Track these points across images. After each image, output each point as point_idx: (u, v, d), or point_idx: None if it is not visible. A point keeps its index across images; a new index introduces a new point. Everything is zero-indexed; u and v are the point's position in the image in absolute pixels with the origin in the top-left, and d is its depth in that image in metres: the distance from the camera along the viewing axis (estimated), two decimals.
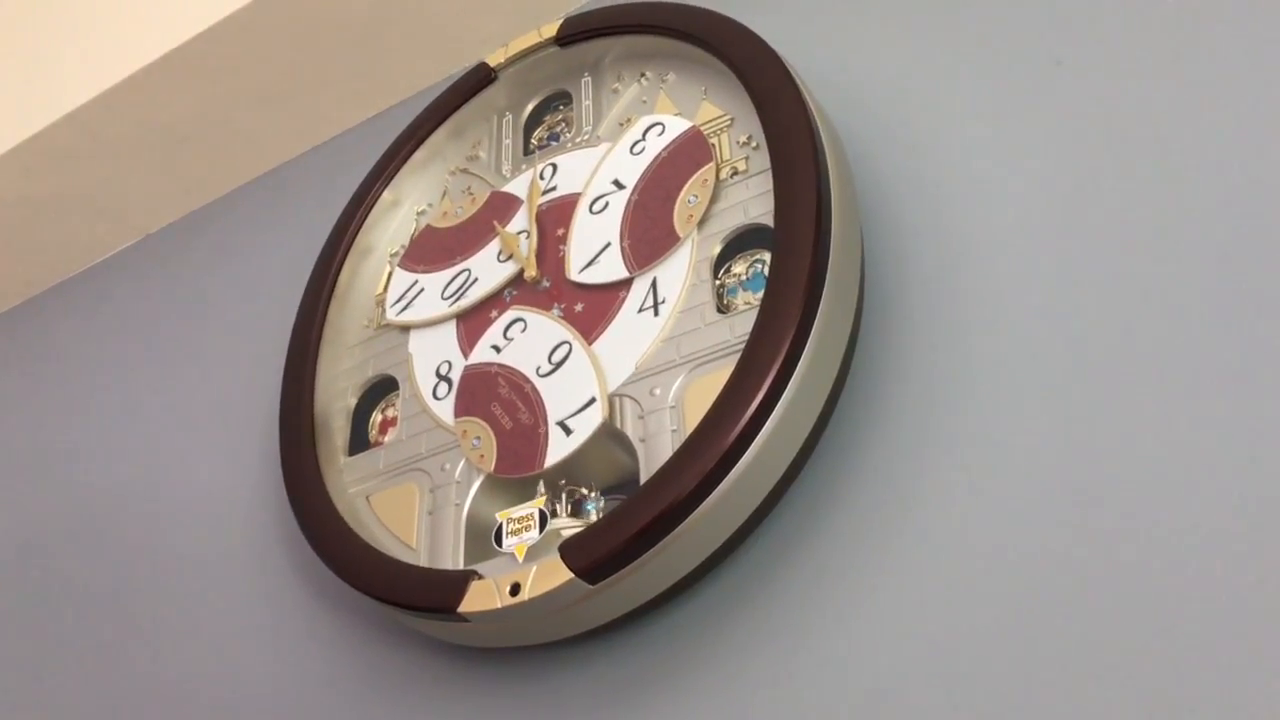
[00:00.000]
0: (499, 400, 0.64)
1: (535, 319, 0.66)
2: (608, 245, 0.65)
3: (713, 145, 0.65)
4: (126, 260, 1.08)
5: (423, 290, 0.73)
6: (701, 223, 0.63)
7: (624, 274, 0.63)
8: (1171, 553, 0.46)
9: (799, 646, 0.52)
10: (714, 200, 0.63)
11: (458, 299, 0.71)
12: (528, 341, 0.65)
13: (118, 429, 0.94)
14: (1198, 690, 0.43)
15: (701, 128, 0.66)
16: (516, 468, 0.61)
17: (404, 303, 0.74)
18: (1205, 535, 0.46)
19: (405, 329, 0.73)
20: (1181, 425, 0.48)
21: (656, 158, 0.67)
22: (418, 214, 0.80)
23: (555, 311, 0.65)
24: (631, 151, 0.69)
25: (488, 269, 0.71)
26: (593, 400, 0.60)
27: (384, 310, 0.74)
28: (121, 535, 0.86)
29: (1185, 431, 0.48)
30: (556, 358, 0.63)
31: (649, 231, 0.64)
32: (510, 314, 0.68)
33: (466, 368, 0.67)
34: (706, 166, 0.65)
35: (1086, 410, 0.51)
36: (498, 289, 0.69)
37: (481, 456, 0.62)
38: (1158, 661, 0.44)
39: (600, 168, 0.70)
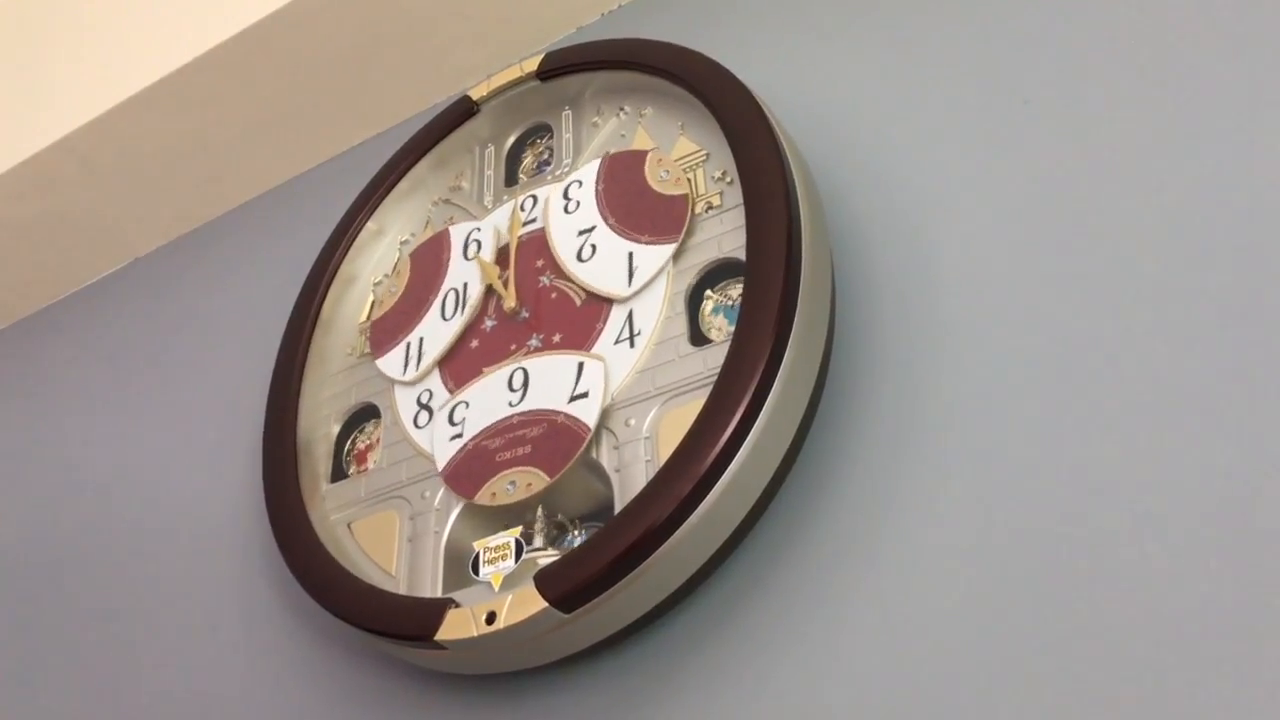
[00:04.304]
0: (499, 450, 0.63)
1: (473, 390, 0.67)
2: (619, 253, 0.67)
3: (689, 179, 0.67)
4: (115, 284, 1.09)
5: (423, 339, 0.73)
6: (677, 256, 0.64)
7: (624, 244, 0.66)
8: (1151, 570, 0.47)
9: (773, 672, 0.53)
10: (689, 234, 0.64)
11: (420, 362, 0.71)
12: (478, 407, 0.66)
13: (103, 452, 0.94)
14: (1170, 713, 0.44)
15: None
16: (567, 455, 0.60)
17: (414, 361, 0.72)
18: (1185, 553, 0.47)
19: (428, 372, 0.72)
20: (1156, 444, 0.50)
21: (596, 193, 0.70)
22: (401, 244, 0.81)
23: (534, 342, 0.67)
24: (566, 212, 0.71)
25: (434, 332, 0.72)
26: (581, 364, 0.62)
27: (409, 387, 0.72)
28: (103, 557, 0.87)
29: (1160, 450, 0.49)
30: (517, 383, 0.65)
31: (640, 220, 0.67)
32: (447, 407, 0.67)
33: (443, 470, 0.65)
34: (649, 154, 0.69)
35: (1058, 437, 0.52)
36: (450, 347, 0.70)
37: (529, 485, 0.61)
38: (1136, 685, 0.45)
39: (553, 235, 0.71)
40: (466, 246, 0.75)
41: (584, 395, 0.62)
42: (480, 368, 0.68)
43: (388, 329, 0.75)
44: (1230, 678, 0.44)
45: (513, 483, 0.61)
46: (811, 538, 0.56)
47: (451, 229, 0.77)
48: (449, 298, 0.73)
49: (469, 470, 0.64)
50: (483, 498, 0.62)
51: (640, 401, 0.60)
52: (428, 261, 0.76)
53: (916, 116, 0.66)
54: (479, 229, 0.75)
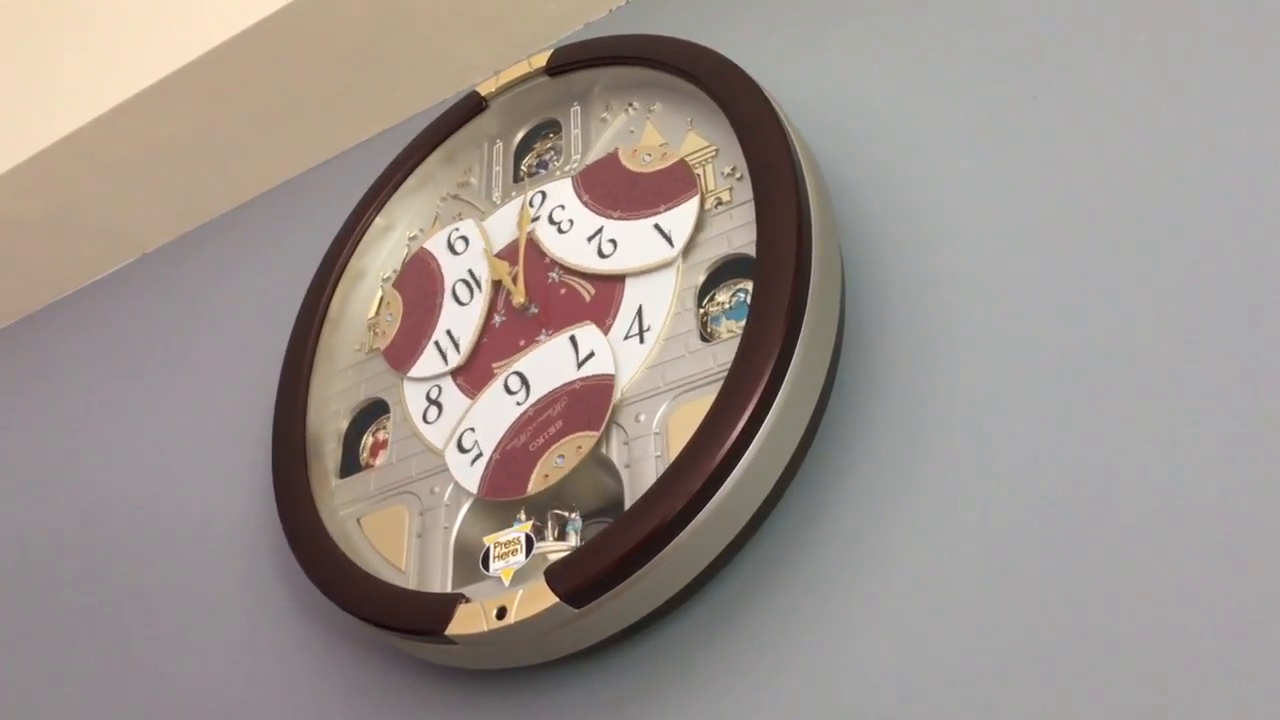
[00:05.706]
0: (529, 442, 0.62)
1: (475, 413, 0.66)
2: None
3: (698, 175, 0.67)
4: (122, 279, 1.10)
5: (449, 330, 0.72)
6: (686, 252, 0.64)
7: (644, 223, 0.67)
8: (1159, 568, 0.47)
9: (782, 669, 0.53)
10: (699, 229, 0.64)
11: (459, 347, 0.71)
12: (484, 425, 0.65)
13: (111, 447, 0.94)
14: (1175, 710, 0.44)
15: (687, 159, 0.68)
16: (604, 407, 0.60)
17: (453, 349, 0.71)
18: (1194, 551, 0.47)
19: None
20: (1165, 442, 0.49)
21: (585, 204, 0.70)
22: (409, 239, 0.81)
23: (542, 337, 0.67)
24: (560, 232, 0.71)
25: (458, 318, 0.72)
26: (573, 337, 0.64)
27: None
28: (114, 554, 0.87)
29: (1169, 448, 0.49)
30: (515, 385, 0.65)
31: (648, 199, 0.68)
32: (455, 437, 0.66)
33: (479, 491, 0.63)
34: (617, 151, 0.71)
35: (1068, 436, 0.52)
36: (482, 324, 0.70)
37: (579, 448, 0.60)
38: (1143, 682, 0.45)
39: (560, 255, 0.70)
40: (452, 246, 0.76)
41: (591, 356, 0.62)
42: (490, 365, 0.68)
43: (403, 345, 0.74)
44: (1237, 675, 0.44)
45: (561, 456, 0.61)
46: (821, 533, 0.56)
47: (425, 244, 0.77)
48: (458, 288, 0.73)
49: (507, 474, 0.63)
50: (536, 485, 0.61)
51: (650, 397, 0.60)
52: (418, 277, 0.76)
53: (926, 112, 0.66)
54: (457, 229, 0.76)
